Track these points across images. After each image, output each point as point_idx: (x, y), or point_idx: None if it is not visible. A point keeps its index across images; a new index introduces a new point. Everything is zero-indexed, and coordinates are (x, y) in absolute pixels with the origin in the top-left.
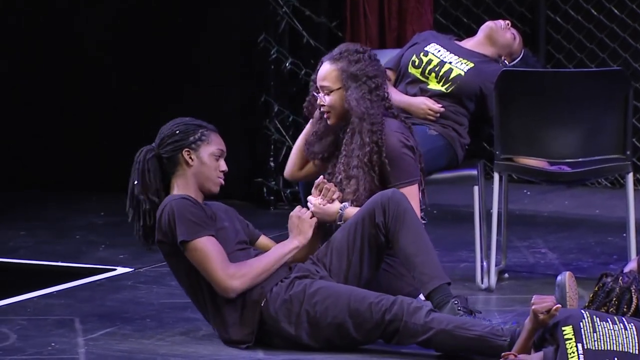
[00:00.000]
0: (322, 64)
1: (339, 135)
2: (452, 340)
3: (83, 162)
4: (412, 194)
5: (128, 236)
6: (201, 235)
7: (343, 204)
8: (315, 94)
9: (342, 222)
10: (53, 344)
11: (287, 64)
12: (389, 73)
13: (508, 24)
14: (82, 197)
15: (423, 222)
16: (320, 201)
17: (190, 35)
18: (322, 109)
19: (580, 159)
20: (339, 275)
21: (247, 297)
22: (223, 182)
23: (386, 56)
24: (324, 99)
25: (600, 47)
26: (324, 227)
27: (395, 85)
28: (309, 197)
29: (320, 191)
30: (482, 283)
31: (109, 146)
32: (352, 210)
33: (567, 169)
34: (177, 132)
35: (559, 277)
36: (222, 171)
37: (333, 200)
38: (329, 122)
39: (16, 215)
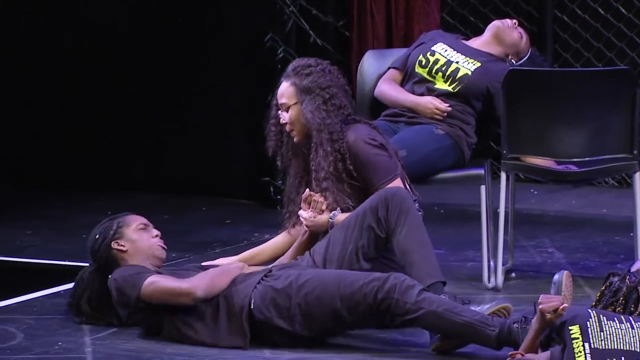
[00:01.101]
0: (281, 83)
1: (305, 154)
2: (440, 323)
3: (87, 161)
4: None
5: None
6: (145, 278)
7: (332, 212)
8: (279, 112)
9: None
10: (60, 343)
11: None
12: (396, 73)
13: (515, 23)
14: (88, 196)
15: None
16: (311, 214)
17: (195, 34)
18: (286, 128)
19: (587, 159)
20: (333, 264)
21: (231, 307)
22: (164, 245)
23: (393, 55)
24: (284, 117)
25: (607, 46)
26: (317, 237)
27: (402, 85)
28: (300, 212)
29: (309, 204)
30: (489, 282)
31: (110, 145)
32: (342, 217)
33: (574, 168)
34: (97, 236)
35: (556, 276)
36: (156, 236)
37: (323, 212)
38: (295, 140)
39: (22, 214)
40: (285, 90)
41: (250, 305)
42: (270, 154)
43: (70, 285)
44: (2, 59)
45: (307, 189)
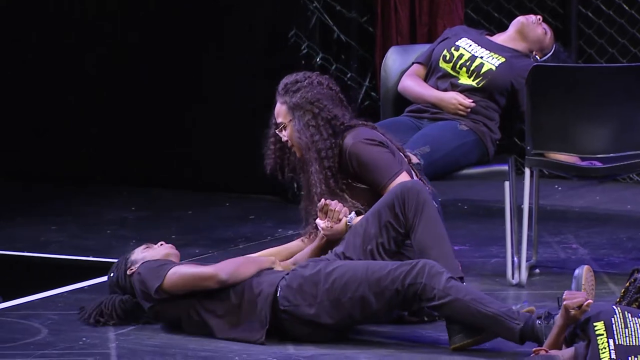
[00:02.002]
0: (276, 103)
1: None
2: (466, 311)
3: (111, 158)
4: None
5: (158, 230)
6: (169, 269)
7: (349, 216)
8: (277, 132)
9: None
10: (84, 339)
11: (318, 59)
12: (420, 68)
13: (539, 19)
14: (112, 192)
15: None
16: (328, 224)
17: (219, 30)
18: (288, 145)
19: (611, 155)
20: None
21: (255, 295)
22: (172, 245)
23: (417, 51)
24: (284, 135)
25: (632, 42)
26: (334, 241)
27: (425, 80)
28: (317, 221)
29: (326, 213)
30: (513, 278)
31: (134, 142)
32: (358, 220)
33: (598, 164)
34: (112, 274)
35: (577, 270)
36: (161, 244)
37: (340, 220)
38: (297, 154)
39: (47, 210)
40: (279, 110)
41: (276, 293)
42: (269, 171)
43: (95, 281)
44: (28, 59)
45: (322, 199)
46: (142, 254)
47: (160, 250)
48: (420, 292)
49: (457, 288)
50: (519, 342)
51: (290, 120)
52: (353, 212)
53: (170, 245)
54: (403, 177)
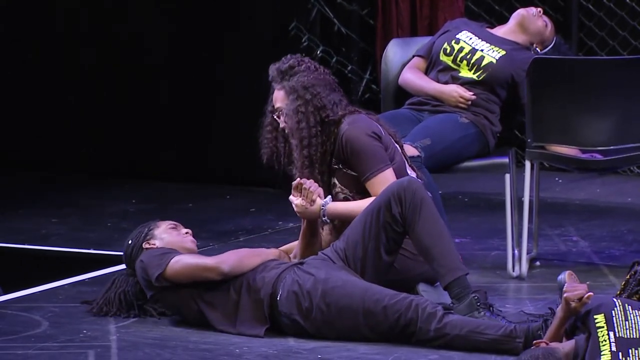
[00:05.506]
0: (273, 89)
1: None
2: (464, 344)
3: (111, 150)
4: (386, 179)
5: None
6: (170, 259)
7: (324, 200)
8: (274, 117)
9: (326, 217)
10: (85, 331)
11: (318, 52)
12: (420, 61)
13: (540, 12)
14: (112, 185)
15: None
16: (302, 202)
17: (220, 23)
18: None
19: (612, 147)
20: (356, 264)
21: (255, 292)
22: (194, 239)
23: (417, 44)
24: (281, 121)
25: (633, 35)
26: (316, 224)
27: (426, 73)
28: (290, 197)
29: (300, 192)
30: (513, 271)
31: (141, 133)
32: (334, 206)
33: (599, 156)
34: (130, 242)
35: (560, 276)
36: (187, 233)
37: (314, 202)
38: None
39: (48, 202)
40: (277, 94)
41: (277, 297)
42: (265, 161)
43: (96, 274)
44: (34, 51)
45: (298, 178)
46: (164, 234)
47: (181, 237)
48: (417, 334)
49: (452, 324)
50: None
51: (287, 103)
52: (329, 197)
53: (194, 240)
54: (387, 175)
